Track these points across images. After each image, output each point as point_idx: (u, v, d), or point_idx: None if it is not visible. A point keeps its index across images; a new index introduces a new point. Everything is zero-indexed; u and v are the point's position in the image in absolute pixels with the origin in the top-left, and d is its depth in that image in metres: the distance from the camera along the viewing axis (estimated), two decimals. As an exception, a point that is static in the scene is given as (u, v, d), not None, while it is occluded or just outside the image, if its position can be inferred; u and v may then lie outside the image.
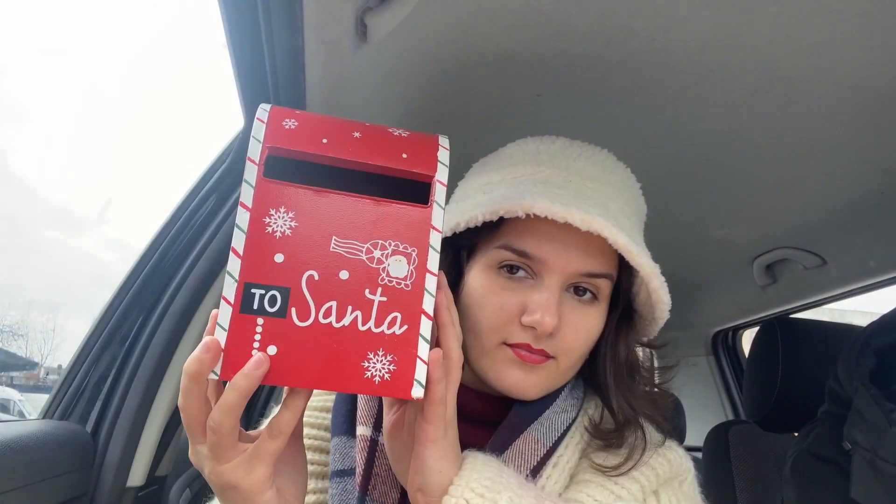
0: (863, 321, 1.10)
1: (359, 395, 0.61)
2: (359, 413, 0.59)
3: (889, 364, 0.98)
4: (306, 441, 0.60)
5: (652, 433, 0.62)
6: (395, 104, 0.85)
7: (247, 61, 0.72)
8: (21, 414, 7.73)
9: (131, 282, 0.87)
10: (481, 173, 0.67)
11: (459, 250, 0.63)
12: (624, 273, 0.61)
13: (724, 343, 2.02)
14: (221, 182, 0.88)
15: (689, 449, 0.70)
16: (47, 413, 0.83)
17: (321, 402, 0.66)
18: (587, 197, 0.59)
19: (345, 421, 0.60)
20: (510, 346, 0.57)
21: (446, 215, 0.58)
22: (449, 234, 0.61)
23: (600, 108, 0.85)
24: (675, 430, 0.66)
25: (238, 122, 0.86)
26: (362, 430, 0.58)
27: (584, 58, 0.73)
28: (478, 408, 0.62)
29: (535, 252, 0.57)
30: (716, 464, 1.31)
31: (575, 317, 0.58)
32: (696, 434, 1.67)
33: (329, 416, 0.64)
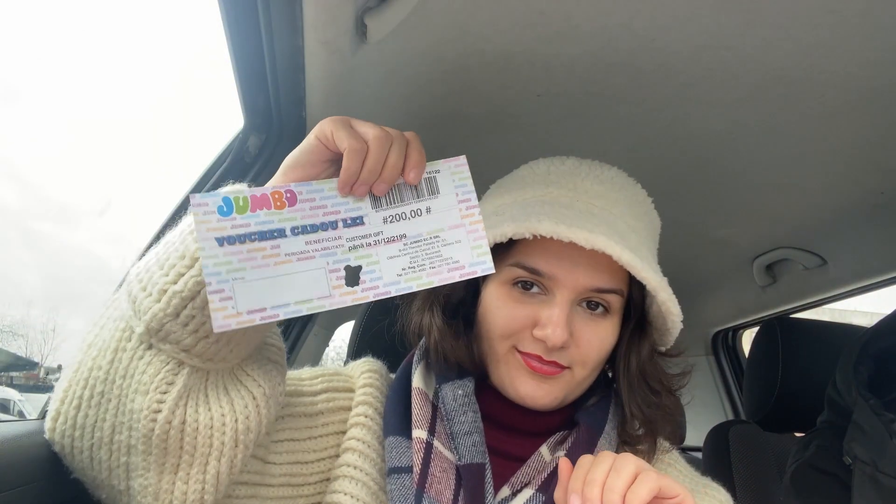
0: (863, 321, 1.09)
1: (413, 400, 0.64)
2: (414, 417, 0.62)
3: (888, 369, 0.96)
4: (363, 419, 0.65)
5: (662, 443, 0.67)
6: (395, 104, 0.85)
7: (247, 61, 0.72)
8: (21, 414, 7.72)
9: (131, 282, 0.86)
10: (496, 195, 0.71)
11: None
12: (635, 286, 0.63)
13: (724, 343, 2.02)
14: (221, 182, 0.88)
15: (689, 449, 0.71)
16: (47, 413, 0.83)
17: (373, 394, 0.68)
18: (593, 215, 0.61)
19: (399, 422, 0.63)
20: (521, 353, 0.61)
21: None
22: None
23: (600, 108, 0.85)
24: (675, 429, 0.68)
25: (238, 122, 0.86)
26: (418, 434, 0.61)
27: (584, 58, 0.73)
28: (507, 415, 0.65)
29: (545, 270, 0.60)
30: (716, 464, 1.31)
31: (587, 329, 0.61)
32: (696, 434, 1.66)
33: (367, 408, 0.66)
